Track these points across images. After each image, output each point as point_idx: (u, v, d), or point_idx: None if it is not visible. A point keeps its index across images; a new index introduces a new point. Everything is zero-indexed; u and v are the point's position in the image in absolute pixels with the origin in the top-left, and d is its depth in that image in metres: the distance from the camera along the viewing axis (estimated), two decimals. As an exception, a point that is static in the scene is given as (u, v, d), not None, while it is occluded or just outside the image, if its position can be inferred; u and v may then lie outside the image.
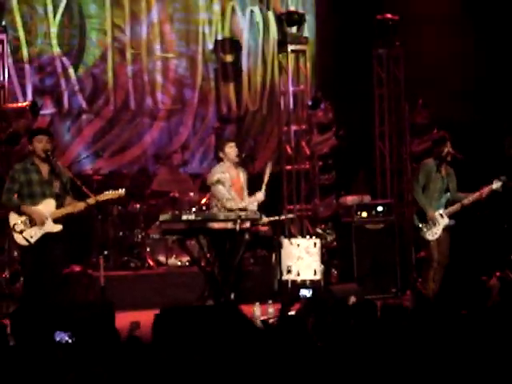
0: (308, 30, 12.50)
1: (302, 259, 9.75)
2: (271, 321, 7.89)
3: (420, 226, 9.38)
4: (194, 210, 10.06)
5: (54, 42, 11.63)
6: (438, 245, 9.42)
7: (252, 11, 12.86)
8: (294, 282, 9.70)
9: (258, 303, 8.44)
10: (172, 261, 10.78)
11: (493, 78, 11.95)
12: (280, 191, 11.34)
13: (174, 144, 12.21)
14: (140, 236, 10.88)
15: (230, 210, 8.67)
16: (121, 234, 10.88)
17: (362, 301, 6.71)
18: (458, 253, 9.65)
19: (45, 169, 7.92)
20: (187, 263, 10.68)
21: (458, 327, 4.98)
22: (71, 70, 11.72)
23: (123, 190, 8.27)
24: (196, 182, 11.50)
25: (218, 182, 8.84)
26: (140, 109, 12.21)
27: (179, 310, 5.98)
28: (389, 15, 11.86)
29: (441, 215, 9.38)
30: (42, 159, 7.89)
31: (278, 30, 12.20)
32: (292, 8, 12.38)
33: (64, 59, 11.68)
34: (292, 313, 7.82)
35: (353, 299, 8.14)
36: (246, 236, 8.48)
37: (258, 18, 12.92)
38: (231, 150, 9.00)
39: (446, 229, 9.42)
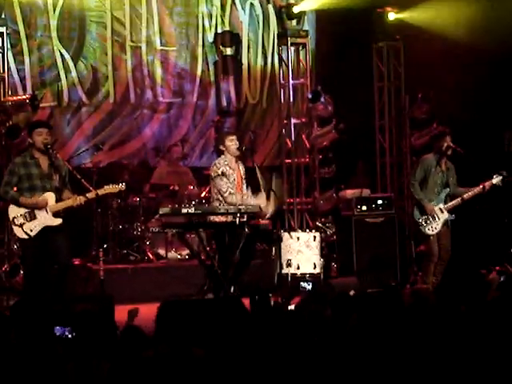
0: (308, 23, 12.50)
1: (302, 253, 9.77)
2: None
3: (420, 220, 9.38)
4: (193, 203, 10.06)
5: (54, 34, 11.60)
6: (439, 239, 9.43)
7: (252, 4, 12.83)
8: (293, 275, 9.72)
9: (257, 297, 8.42)
10: (172, 254, 10.78)
11: (494, 72, 11.92)
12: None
13: (173, 137, 12.19)
14: (140, 229, 10.88)
15: (231, 204, 8.67)
16: (120, 227, 10.87)
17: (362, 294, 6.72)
18: (457, 247, 9.66)
19: (45, 162, 7.92)
20: (187, 256, 10.69)
21: (458, 321, 4.98)
22: (71, 63, 11.70)
23: (123, 184, 8.27)
24: (196, 175, 11.49)
25: (223, 174, 8.84)
26: (140, 102, 12.19)
27: (182, 302, 5.98)
28: (389, 8, 11.85)
29: (440, 210, 9.38)
30: (42, 152, 7.89)
31: (277, 23, 12.20)
32: (292, 1, 12.34)
33: (64, 52, 11.66)
34: (291, 307, 7.81)
35: (352, 293, 8.14)
36: (246, 229, 8.48)
37: (258, 10, 12.89)
38: (232, 143, 9.00)
39: (446, 223, 9.42)
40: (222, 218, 8.57)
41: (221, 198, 8.84)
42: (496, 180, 9.41)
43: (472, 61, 11.45)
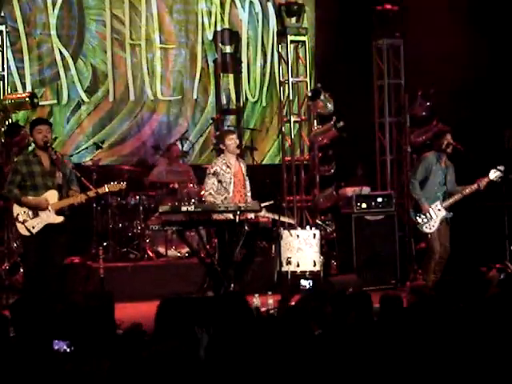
0: (307, 21, 12.49)
1: (302, 250, 9.77)
2: (271, 312, 7.89)
3: (417, 219, 9.39)
4: (193, 201, 10.06)
5: (53, 32, 11.60)
6: (439, 237, 9.43)
7: (251, 2, 12.83)
8: (293, 273, 9.71)
9: (257, 295, 8.43)
10: (171, 252, 10.78)
11: (494, 69, 11.91)
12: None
13: (173, 135, 12.19)
14: (139, 227, 10.88)
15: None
16: (120, 225, 10.87)
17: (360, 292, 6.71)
18: (457, 244, 9.66)
19: (46, 160, 7.93)
20: (187, 254, 10.68)
21: (457, 319, 4.98)
22: (70, 61, 11.70)
23: (124, 183, 8.28)
24: (195, 173, 11.48)
25: (215, 174, 8.83)
26: (139, 100, 12.19)
27: (182, 300, 5.97)
28: (388, 6, 11.84)
29: (438, 208, 9.38)
30: (43, 149, 7.90)
31: (277, 20, 12.18)
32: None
33: (63, 50, 11.66)
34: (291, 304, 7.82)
35: (350, 291, 8.14)
36: (246, 227, 8.48)
37: (258, 8, 12.90)
38: (231, 141, 8.99)
39: (444, 221, 9.42)
40: (222, 216, 8.57)
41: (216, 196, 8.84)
42: (493, 176, 9.39)
43: (472, 58, 11.44)
